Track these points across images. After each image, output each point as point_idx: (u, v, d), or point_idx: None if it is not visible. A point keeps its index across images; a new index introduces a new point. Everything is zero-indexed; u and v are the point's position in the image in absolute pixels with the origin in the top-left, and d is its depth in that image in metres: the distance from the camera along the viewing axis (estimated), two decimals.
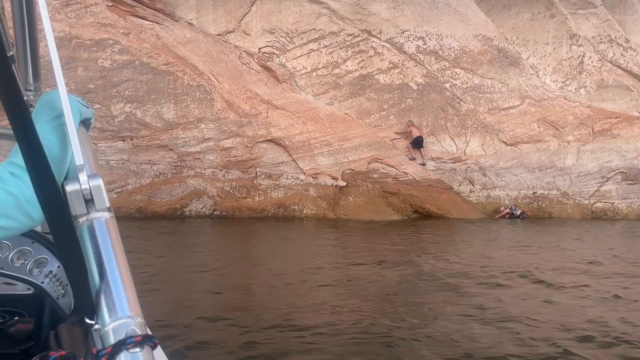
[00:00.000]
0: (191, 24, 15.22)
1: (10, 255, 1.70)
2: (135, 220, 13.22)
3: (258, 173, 15.31)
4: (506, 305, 5.55)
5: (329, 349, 4.12)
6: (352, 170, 15.99)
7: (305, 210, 15.05)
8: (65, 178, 0.95)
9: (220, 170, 14.97)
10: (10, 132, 2.14)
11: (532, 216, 16.77)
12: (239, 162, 15.08)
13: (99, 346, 0.76)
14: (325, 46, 16.30)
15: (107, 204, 0.89)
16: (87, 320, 0.84)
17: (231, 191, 14.89)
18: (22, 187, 0.88)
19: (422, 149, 16.49)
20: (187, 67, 14.58)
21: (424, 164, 16.50)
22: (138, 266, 7.03)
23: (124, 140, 14.18)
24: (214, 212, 14.40)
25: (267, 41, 15.98)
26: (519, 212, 16.32)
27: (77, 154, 0.90)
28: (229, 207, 14.57)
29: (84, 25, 13.73)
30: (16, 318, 1.51)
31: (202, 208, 14.37)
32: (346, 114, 16.38)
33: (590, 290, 6.34)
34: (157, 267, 7.33)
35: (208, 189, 14.60)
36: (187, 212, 14.16)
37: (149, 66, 14.10)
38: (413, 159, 16.49)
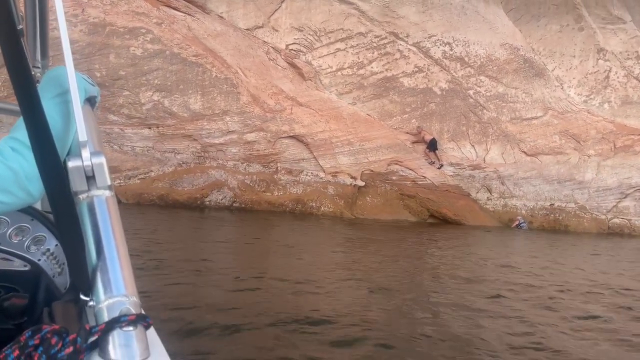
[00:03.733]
0: (222, 17, 15.42)
1: (9, 231, 1.68)
2: (156, 207, 13.48)
3: (279, 168, 15.48)
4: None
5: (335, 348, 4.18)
6: (372, 170, 16.11)
7: (322, 208, 15.19)
8: (68, 154, 0.95)
9: (242, 163, 15.16)
10: (10, 106, 2.22)
11: (547, 228, 16.79)
12: (260, 156, 15.26)
13: (93, 324, 0.76)
14: (352, 46, 16.43)
15: (109, 182, 0.88)
16: (82, 297, 0.83)
17: (251, 184, 15.07)
18: (23, 163, 0.87)
19: (437, 151, 16.52)
20: (216, 59, 14.78)
21: (441, 166, 16.55)
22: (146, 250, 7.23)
23: (150, 128, 14.41)
24: (233, 204, 14.58)
25: (294, 38, 16.14)
26: (524, 227, 16.33)
27: (81, 129, 0.88)
28: (248, 200, 14.75)
29: (118, 12, 13.98)
30: (11, 293, 1.51)
31: (222, 199, 14.56)
32: (368, 114, 16.50)
33: None
34: (171, 253, 7.50)
35: (229, 181, 14.79)
36: (207, 203, 14.35)
37: (179, 57, 14.32)
38: (432, 163, 16.56)
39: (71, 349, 0.71)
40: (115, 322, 0.73)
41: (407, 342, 4.35)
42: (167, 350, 0.79)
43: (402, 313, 5.25)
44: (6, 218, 1.69)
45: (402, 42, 16.61)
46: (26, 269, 1.63)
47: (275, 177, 15.39)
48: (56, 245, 1.70)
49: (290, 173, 15.59)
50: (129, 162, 14.17)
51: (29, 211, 1.71)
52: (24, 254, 1.66)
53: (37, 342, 0.72)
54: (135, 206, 13.14)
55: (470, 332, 4.70)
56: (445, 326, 4.85)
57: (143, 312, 0.78)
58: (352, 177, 15.94)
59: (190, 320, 4.40)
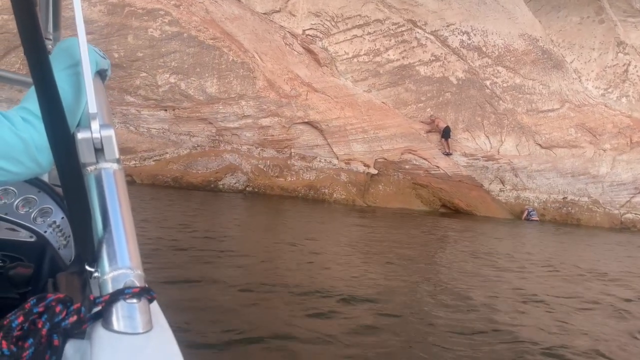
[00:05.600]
0: (239, 0, 15.37)
1: (16, 202, 1.68)
2: (170, 188, 13.58)
3: (292, 154, 15.52)
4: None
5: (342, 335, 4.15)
6: (385, 159, 16.11)
7: (335, 195, 15.22)
8: (77, 126, 0.94)
9: (256, 148, 15.22)
10: (21, 77, 2.22)
11: (560, 221, 16.75)
12: (275, 142, 15.30)
13: (97, 295, 0.76)
14: (369, 33, 16.34)
15: (117, 155, 0.87)
16: (88, 268, 0.83)
17: (265, 169, 15.14)
18: (33, 133, 0.87)
19: (449, 140, 16.46)
20: (233, 43, 14.77)
21: (449, 154, 16.47)
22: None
23: (166, 110, 14.48)
24: (247, 188, 14.65)
25: (311, 23, 16.07)
26: (532, 217, 16.27)
27: (92, 102, 0.88)
28: (261, 185, 14.82)
29: None
30: (16, 262, 1.51)
31: (235, 183, 14.63)
32: (383, 102, 16.45)
33: None
34: (182, 231, 7.63)
35: (243, 165, 14.86)
36: (221, 186, 14.43)
37: (196, 39, 14.33)
38: (446, 154, 16.50)
39: (75, 318, 0.72)
40: (119, 294, 0.73)
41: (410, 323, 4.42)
42: (170, 324, 0.78)
43: (407, 293, 5.32)
44: (13, 189, 1.69)
45: (419, 30, 16.49)
46: (32, 240, 1.64)
47: (288, 162, 15.44)
48: (62, 217, 1.71)
49: (304, 159, 15.63)
50: (145, 144, 14.28)
51: (36, 183, 1.71)
52: (30, 225, 1.67)
53: (41, 309, 0.72)
54: (150, 187, 13.26)
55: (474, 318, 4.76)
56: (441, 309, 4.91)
57: (147, 285, 0.78)
58: (365, 165, 15.96)
59: (195, 294, 4.50)
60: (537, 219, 16.28)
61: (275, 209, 12.42)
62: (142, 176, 13.71)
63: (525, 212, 16.38)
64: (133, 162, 13.93)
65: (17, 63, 12.82)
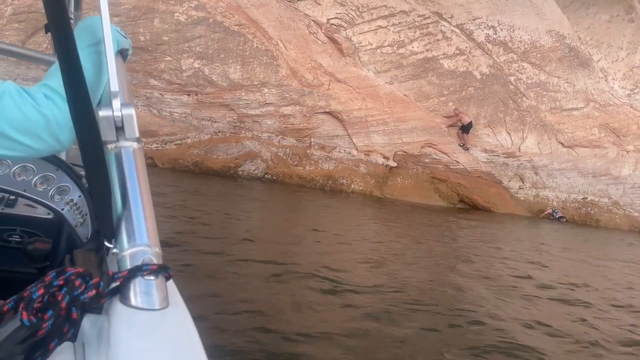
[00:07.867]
0: None
1: (34, 179, 1.71)
2: (190, 173, 13.67)
3: (312, 143, 15.52)
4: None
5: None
6: (405, 152, 16.05)
7: (353, 185, 15.22)
8: (98, 104, 0.95)
9: (277, 136, 15.24)
10: (44, 56, 2.22)
11: (578, 221, 16.59)
12: (295, 130, 15.31)
13: (115, 271, 0.77)
14: (394, 24, 16.19)
15: (137, 134, 0.88)
16: (106, 244, 0.84)
17: (284, 157, 15.16)
18: (55, 110, 0.88)
19: (467, 134, 16.31)
20: (257, 30, 14.74)
21: (467, 148, 16.34)
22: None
23: (188, 95, 14.53)
24: (265, 175, 14.69)
25: (336, 13, 15.96)
26: (557, 216, 16.17)
27: (113, 80, 0.89)
28: (280, 173, 14.85)
29: None
30: (35, 237, 1.53)
31: (254, 170, 14.67)
32: (405, 95, 16.35)
33: None
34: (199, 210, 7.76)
35: (262, 153, 14.89)
36: (240, 172, 14.48)
37: (222, 25, 14.31)
38: (466, 148, 16.37)
39: (94, 292, 0.73)
40: (137, 270, 0.74)
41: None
42: (186, 303, 0.79)
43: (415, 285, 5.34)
44: (32, 166, 1.71)
45: (445, 23, 16.31)
46: (49, 217, 1.69)
47: (308, 151, 15.44)
48: (80, 196, 1.73)
49: (323, 149, 15.62)
50: (167, 127, 14.36)
51: (54, 161, 1.74)
52: (48, 202, 1.70)
53: (61, 282, 0.73)
54: (170, 171, 13.36)
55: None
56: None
57: (164, 263, 0.79)
58: (384, 157, 15.91)
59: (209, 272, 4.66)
60: (562, 215, 16.15)
61: (294, 197, 12.47)
62: (163, 160, 13.81)
63: (550, 210, 16.25)
64: (155, 145, 14.04)
65: (44, 43, 12.90)
